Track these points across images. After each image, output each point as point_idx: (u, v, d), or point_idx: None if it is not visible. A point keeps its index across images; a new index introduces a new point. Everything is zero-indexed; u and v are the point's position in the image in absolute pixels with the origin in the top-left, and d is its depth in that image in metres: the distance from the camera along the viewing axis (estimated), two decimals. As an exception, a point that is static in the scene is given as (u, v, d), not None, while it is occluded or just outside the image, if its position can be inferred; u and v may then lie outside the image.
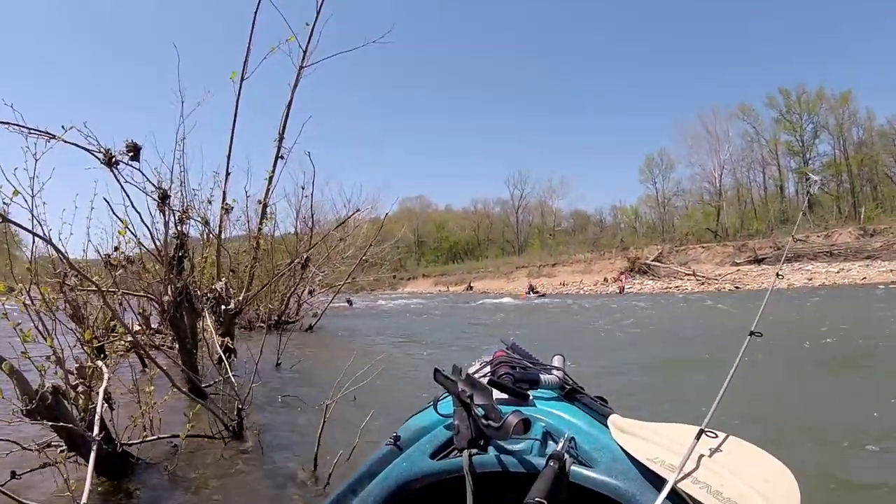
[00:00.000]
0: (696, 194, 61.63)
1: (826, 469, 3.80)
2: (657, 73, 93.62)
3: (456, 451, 1.32)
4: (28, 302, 2.67)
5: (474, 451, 1.27)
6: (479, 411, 1.29)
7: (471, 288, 55.53)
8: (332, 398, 3.33)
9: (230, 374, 3.99)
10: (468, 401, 1.31)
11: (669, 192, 64.31)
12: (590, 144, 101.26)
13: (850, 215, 46.95)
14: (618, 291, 38.41)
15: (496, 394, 1.47)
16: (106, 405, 2.75)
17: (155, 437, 3.14)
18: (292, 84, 6.09)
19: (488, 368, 1.80)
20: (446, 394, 1.45)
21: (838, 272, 33.36)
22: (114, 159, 3.18)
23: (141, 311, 5.53)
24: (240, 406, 3.53)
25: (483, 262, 67.63)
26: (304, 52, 6.06)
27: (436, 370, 1.41)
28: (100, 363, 2.74)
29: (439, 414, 1.45)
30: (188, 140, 5.29)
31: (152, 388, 3.35)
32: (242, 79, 5.74)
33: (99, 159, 3.28)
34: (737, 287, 34.65)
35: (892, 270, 30.81)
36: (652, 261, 44.31)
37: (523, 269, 56.58)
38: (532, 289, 41.62)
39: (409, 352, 10.54)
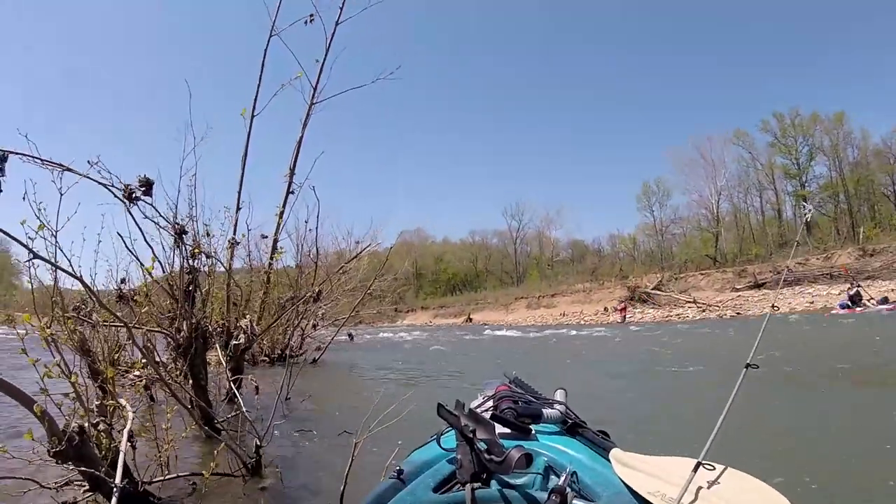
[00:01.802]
0: (693, 221, 61.87)
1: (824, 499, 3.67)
2: (651, 100, 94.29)
3: (459, 486, 1.33)
4: (48, 336, 2.63)
5: (477, 485, 1.27)
6: (482, 445, 1.31)
7: (470, 320, 55.29)
8: (360, 436, 3.24)
9: (243, 409, 3.93)
10: (471, 435, 1.33)
11: (667, 219, 64.63)
12: (586, 173, 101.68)
13: (849, 236, 46.99)
14: (620, 321, 38.20)
15: (499, 428, 1.50)
16: (128, 444, 2.70)
17: (175, 476, 3.07)
18: (303, 120, 6.13)
19: (491, 403, 1.82)
20: (449, 428, 1.47)
21: (839, 294, 33.27)
22: (133, 195, 3.17)
23: (147, 344, 5.47)
24: (258, 443, 3.45)
25: (482, 294, 67.66)
26: (315, 88, 6.13)
27: (439, 405, 1.43)
28: (122, 401, 2.69)
29: (442, 448, 1.48)
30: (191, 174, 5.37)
31: (169, 425, 3.30)
32: (253, 115, 5.80)
33: (116, 196, 3.28)
34: (738, 313, 34.58)
35: (893, 290, 30.73)
36: (652, 289, 44.29)
37: (522, 300, 56.54)
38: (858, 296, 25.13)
39: (419, 386, 10.22)
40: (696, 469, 1.30)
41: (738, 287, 41.72)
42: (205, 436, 4.23)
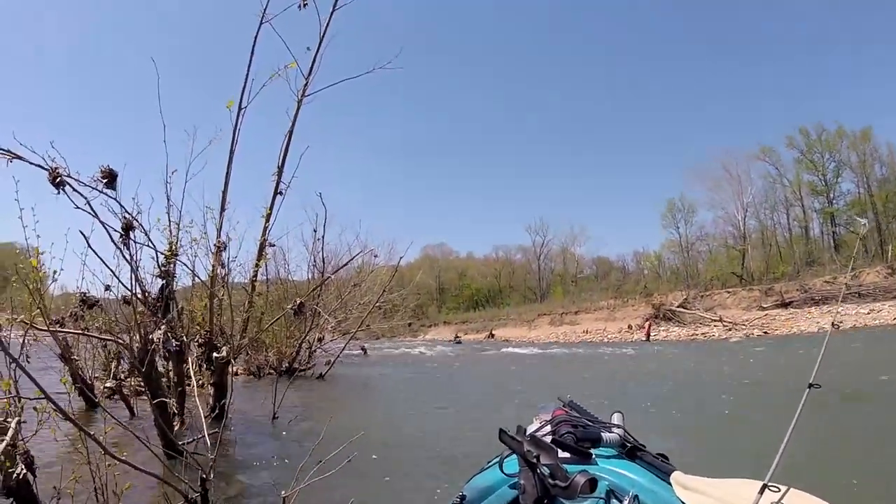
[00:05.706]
0: (719, 238, 60.20)
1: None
2: (678, 116, 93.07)
3: None
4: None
5: None
6: (545, 470, 1.30)
7: (492, 336, 54.89)
8: (293, 487, 2.75)
9: (205, 434, 3.46)
10: (534, 460, 1.33)
11: (693, 236, 63.11)
12: (612, 189, 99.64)
13: (877, 254, 45.59)
14: (644, 339, 37.42)
15: (559, 452, 1.48)
16: (25, 469, 2.25)
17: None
18: (293, 114, 5.73)
19: (549, 427, 1.77)
20: (510, 452, 1.48)
21: (869, 313, 32.24)
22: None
23: (108, 355, 5.06)
24: (203, 476, 2.98)
25: (504, 310, 67.14)
26: (307, 79, 5.74)
27: (501, 430, 1.47)
28: (12, 418, 2.23)
29: (504, 473, 1.46)
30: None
31: (103, 452, 2.83)
32: (240, 108, 5.42)
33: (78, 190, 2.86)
34: (765, 332, 33.70)
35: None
36: (677, 307, 43.43)
37: (545, 317, 55.95)
38: None
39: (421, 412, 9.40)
40: (762, 491, 1.24)
41: (765, 306, 40.73)
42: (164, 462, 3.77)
